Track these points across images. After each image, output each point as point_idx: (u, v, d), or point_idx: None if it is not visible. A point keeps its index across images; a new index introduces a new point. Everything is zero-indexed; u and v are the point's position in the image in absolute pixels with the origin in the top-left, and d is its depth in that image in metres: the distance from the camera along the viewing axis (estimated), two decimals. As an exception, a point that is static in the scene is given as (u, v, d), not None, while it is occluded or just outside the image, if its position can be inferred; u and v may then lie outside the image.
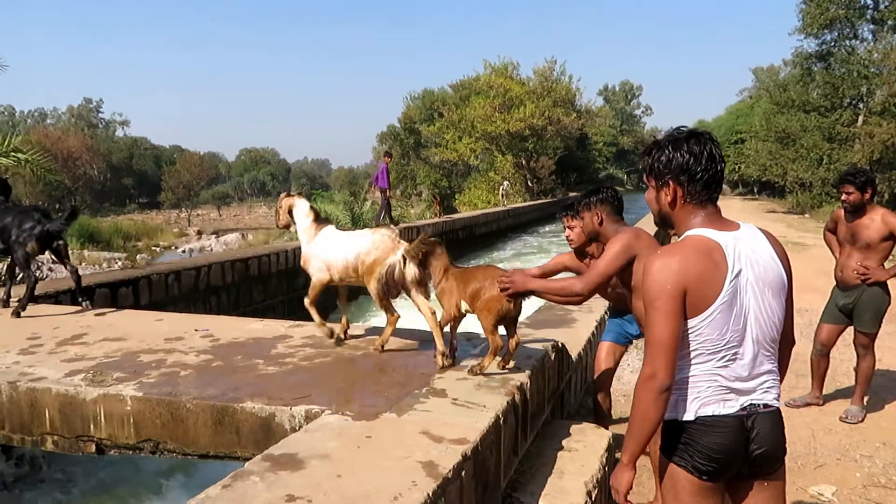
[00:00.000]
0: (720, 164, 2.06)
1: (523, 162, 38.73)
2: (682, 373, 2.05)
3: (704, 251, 2.00)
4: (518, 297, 3.27)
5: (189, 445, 3.15)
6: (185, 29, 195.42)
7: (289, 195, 4.28)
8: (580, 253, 4.05)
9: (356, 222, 18.88)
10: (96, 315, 5.06)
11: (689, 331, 2.01)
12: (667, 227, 2.19)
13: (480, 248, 20.80)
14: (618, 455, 2.28)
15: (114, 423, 3.25)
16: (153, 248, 33.47)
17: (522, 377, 3.47)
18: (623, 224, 3.56)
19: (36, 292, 5.88)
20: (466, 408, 2.99)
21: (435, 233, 17.16)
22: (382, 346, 3.93)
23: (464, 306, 3.45)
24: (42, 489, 4.97)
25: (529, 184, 39.32)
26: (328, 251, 4.00)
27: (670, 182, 2.10)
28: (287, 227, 4.28)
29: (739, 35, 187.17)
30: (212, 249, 31.18)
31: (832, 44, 33.52)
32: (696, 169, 2.05)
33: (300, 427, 2.88)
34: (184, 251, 31.16)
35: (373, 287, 3.74)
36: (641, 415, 2.02)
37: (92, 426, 3.28)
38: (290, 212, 4.21)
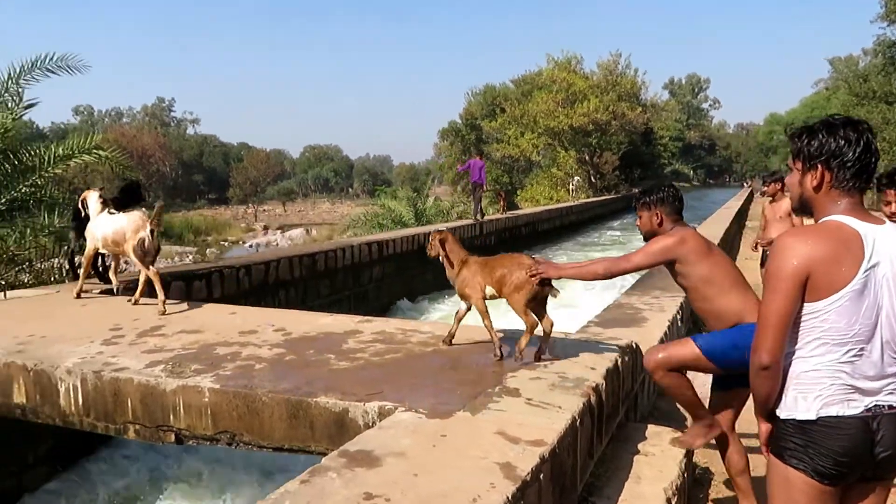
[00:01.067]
0: (875, 156, 1.98)
1: (586, 157, 38.15)
2: (805, 365, 1.97)
3: (840, 238, 1.92)
4: (546, 283, 3.44)
5: (264, 438, 3.19)
6: (253, 30, 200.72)
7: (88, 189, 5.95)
8: None
9: (419, 218, 18.95)
10: (172, 307, 5.21)
11: (814, 315, 1.93)
12: (805, 214, 2.11)
13: (543, 244, 20.60)
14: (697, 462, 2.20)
15: (192, 413, 3.32)
16: (221, 242, 34.54)
17: (597, 377, 3.38)
18: (681, 224, 3.42)
19: (116, 286, 6.12)
20: (541, 408, 2.92)
21: (497, 229, 17.09)
22: (451, 340, 3.94)
23: (489, 291, 3.59)
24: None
25: (593, 179, 38.69)
26: (100, 228, 5.48)
27: (819, 166, 2.01)
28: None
29: (814, 24, 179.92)
30: (277, 244, 31.95)
31: (918, 32, 31.79)
32: (849, 156, 1.96)
33: (373, 423, 2.88)
34: (251, 246, 32.00)
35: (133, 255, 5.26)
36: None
37: (172, 416, 3.36)
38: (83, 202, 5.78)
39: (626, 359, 4.02)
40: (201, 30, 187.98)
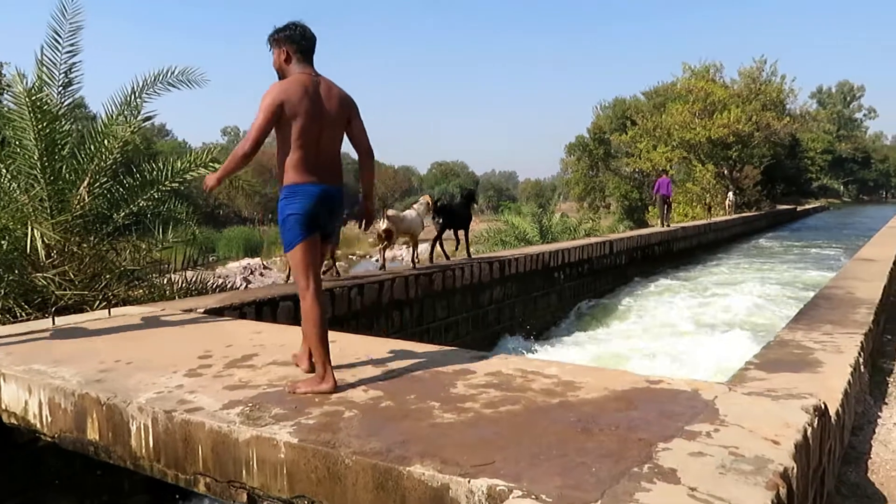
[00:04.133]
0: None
1: (725, 172, 35.59)
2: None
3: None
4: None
5: (347, 510, 2.58)
6: (382, 48, 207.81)
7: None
8: None
9: (544, 235, 18.14)
10: (272, 331, 4.79)
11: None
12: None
13: (678, 264, 19.08)
14: None
15: (266, 471, 2.77)
16: (350, 256, 35.23)
17: (784, 458, 2.49)
18: (304, 64, 3.52)
19: (222, 304, 5.83)
20: (712, 506, 2.10)
21: (628, 247, 15.93)
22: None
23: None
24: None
25: (732, 195, 36.02)
26: None
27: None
28: None
29: None
30: (403, 259, 32.09)
31: None
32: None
33: (480, 508, 2.18)
34: (377, 260, 32.32)
35: None
36: None
37: (244, 471, 2.83)
38: None
39: (816, 425, 3.07)
40: (352, 45, 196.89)
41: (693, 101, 34.44)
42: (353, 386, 3.43)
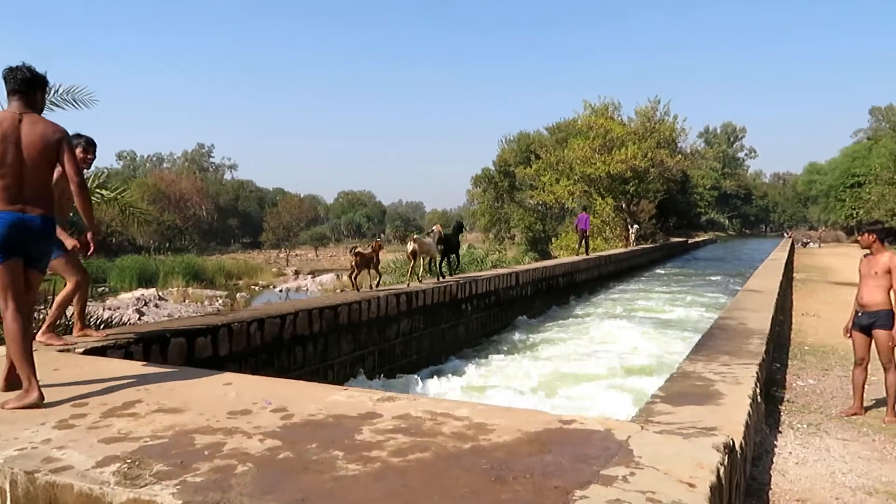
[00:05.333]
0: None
1: (623, 205, 37.09)
2: None
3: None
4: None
5: (236, 582, 2.29)
6: (291, 76, 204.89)
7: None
8: None
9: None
10: (160, 373, 4.39)
11: None
12: None
13: (580, 293, 19.54)
14: None
15: (145, 539, 2.44)
16: (252, 286, 34.05)
17: (700, 501, 2.43)
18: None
19: (105, 343, 5.34)
20: (634, 563, 1.98)
21: (534, 279, 16.15)
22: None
23: None
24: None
25: (630, 228, 37.55)
26: None
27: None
28: None
29: (852, 74, 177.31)
30: (308, 289, 31.32)
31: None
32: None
33: (387, 578, 1.97)
34: (280, 290, 31.44)
35: None
36: None
37: (119, 541, 2.49)
38: None
39: (726, 463, 3.05)
40: (244, 76, 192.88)
41: (593, 137, 35.79)
42: (248, 435, 3.14)
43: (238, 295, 28.95)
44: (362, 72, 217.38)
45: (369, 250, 9.86)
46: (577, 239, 25.06)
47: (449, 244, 11.92)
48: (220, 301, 25.78)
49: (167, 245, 54.21)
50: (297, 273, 41.89)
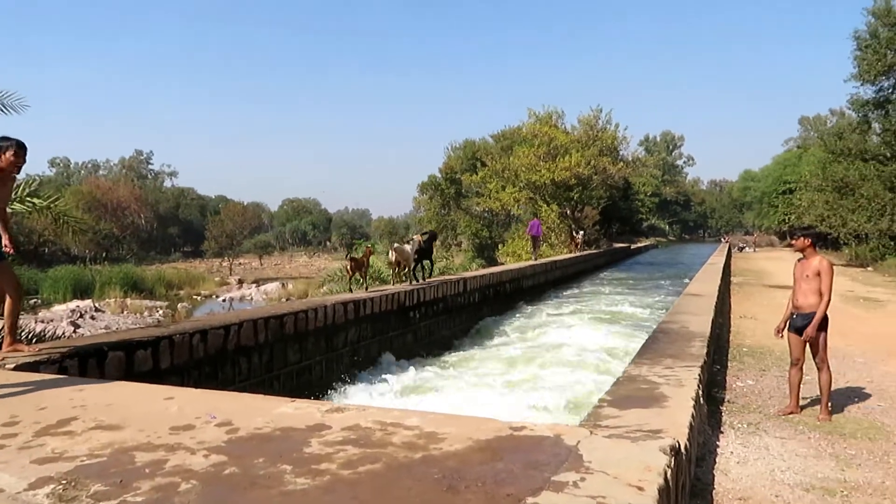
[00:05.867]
0: None
1: (568, 212, 37.72)
2: None
3: None
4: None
5: None
6: (232, 82, 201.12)
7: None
8: None
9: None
10: (97, 389, 4.22)
11: None
12: None
13: (527, 299, 19.73)
14: None
15: (81, 563, 2.33)
16: (195, 296, 33.19)
17: (648, 503, 2.46)
18: None
19: (38, 358, 5.11)
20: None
21: (481, 286, 16.22)
22: None
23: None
24: None
25: (574, 234, 38.22)
26: None
27: None
28: None
29: (783, 85, 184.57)
30: (252, 298, 30.72)
31: (890, 91, 32.33)
32: None
33: None
34: (224, 300, 30.76)
35: None
36: None
37: (53, 566, 2.37)
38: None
39: (673, 465, 3.11)
40: (185, 82, 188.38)
41: (538, 144, 36.32)
42: (191, 451, 3.04)
43: (179, 305, 28.18)
44: (303, 78, 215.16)
45: (361, 256, 11.61)
46: (531, 245, 26.86)
47: (422, 251, 13.35)
48: (161, 312, 25.06)
49: (104, 255, 52.35)
50: (240, 282, 41.05)
